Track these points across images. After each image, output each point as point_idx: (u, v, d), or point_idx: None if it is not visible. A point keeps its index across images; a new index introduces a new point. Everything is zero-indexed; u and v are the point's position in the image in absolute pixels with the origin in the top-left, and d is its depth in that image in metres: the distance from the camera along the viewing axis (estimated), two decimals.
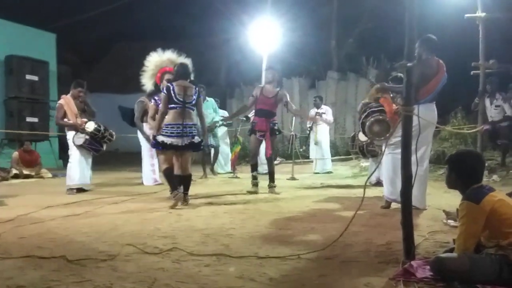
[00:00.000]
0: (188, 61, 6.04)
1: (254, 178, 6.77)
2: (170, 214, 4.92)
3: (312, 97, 15.51)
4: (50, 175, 10.15)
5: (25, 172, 9.86)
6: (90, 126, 6.97)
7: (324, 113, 10.24)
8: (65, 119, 6.96)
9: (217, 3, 17.52)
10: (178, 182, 5.66)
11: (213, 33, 17.19)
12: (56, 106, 7.36)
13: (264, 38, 12.34)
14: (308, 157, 11.38)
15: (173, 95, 5.44)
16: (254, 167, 6.87)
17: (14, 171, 9.82)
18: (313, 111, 10.42)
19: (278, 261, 2.98)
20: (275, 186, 6.72)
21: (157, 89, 6.38)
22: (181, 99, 5.45)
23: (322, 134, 10.33)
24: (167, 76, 6.11)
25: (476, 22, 7.84)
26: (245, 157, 10.92)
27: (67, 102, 6.96)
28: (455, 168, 2.68)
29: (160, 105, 5.71)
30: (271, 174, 6.79)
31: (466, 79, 8.36)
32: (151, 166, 8.06)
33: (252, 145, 6.90)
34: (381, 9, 15.32)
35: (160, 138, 5.47)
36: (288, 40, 13.99)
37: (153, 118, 6.38)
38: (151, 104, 6.69)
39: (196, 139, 5.57)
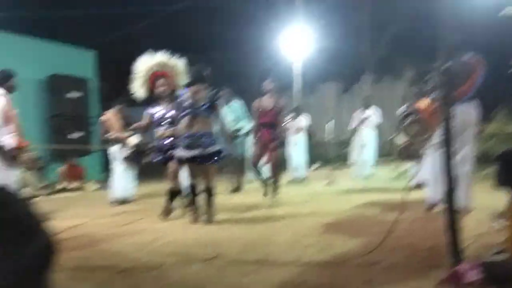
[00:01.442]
0: (181, 62, 5.64)
1: (264, 183, 6.71)
2: (211, 223, 4.98)
3: (347, 102, 15.50)
4: (94, 188, 10.50)
5: (71, 185, 10.27)
6: (133, 140, 7.21)
7: (371, 116, 10.08)
8: (109, 134, 7.23)
9: (250, 11, 17.69)
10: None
11: (245, 42, 17.38)
12: (99, 122, 7.65)
13: (296, 44, 12.40)
14: (345, 162, 11.25)
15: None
16: (258, 174, 6.79)
17: (60, 185, 10.23)
18: (357, 114, 10.28)
19: (320, 268, 2.97)
20: (276, 195, 6.48)
21: (153, 97, 5.73)
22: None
23: (367, 137, 10.18)
24: (160, 82, 5.55)
25: None
26: (283, 162, 10.90)
27: (110, 117, 7.24)
28: (507, 165, 2.60)
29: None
30: (275, 184, 6.54)
31: (509, 76, 8.08)
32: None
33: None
34: (414, 10, 15.05)
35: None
36: (321, 46, 13.98)
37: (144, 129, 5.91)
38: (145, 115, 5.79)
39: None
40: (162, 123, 5.53)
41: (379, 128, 10.45)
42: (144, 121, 5.75)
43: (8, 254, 0.71)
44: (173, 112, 5.36)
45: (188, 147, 4.97)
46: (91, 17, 15.34)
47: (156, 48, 5.54)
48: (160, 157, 5.52)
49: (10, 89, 5.23)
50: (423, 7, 12.29)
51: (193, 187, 5.17)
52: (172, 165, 5.48)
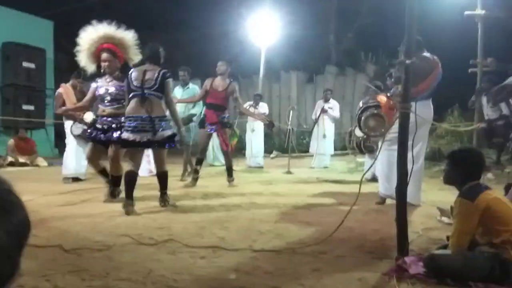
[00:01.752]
0: (130, 35, 5.12)
1: (196, 172, 6.66)
2: (164, 207, 4.91)
3: (309, 91, 15.63)
4: (45, 163, 10.13)
5: (21, 160, 9.84)
6: (89, 116, 6.95)
7: (331, 108, 10.21)
8: (63, 108, 6.95)
9: None
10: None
11: (212, 25, 17.15)
12: (55, 95, 7.34)
13: (263, 31, 12.36)
14: (305, 151, 11.37)
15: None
16: (200, 161, 6.70)
17: (10, 159, 9.79)
18: (319, 104, 10.38)
19: (272, 255, 3.00)
20: (233, 180, 6.66)
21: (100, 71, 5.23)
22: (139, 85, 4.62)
23: (327, 129, 10.32)
24: (103, 55, 5.02)
25: (475, 20, 7.85)
26: (241, 149, 10.91)
27: (66, 91, 6.94)
28: (456, 164, 2.69)
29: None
30: (229, 169, 6.67)
31: (464, 76, 8.38)
32: (146, 157, 8.01)
33: (201, 139, 6.73)
34: (380, 5, 15.31)
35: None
36: (287, 34, 13.99)
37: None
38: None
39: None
40: (105, 100, 5.12)
41: (338, 120, 10.62)
42: (88, 97, 5.33)
43: None
44: (117, 88, 5.03)
45: (136, 130, 4.51)
46: None
47: (117, 22, 5.19)
48: (97, 136, 5.11)
49: None
50: (389, 4, 12.52)
51: (131, 174, 4.64)
52: (113, 148, 5.02)
